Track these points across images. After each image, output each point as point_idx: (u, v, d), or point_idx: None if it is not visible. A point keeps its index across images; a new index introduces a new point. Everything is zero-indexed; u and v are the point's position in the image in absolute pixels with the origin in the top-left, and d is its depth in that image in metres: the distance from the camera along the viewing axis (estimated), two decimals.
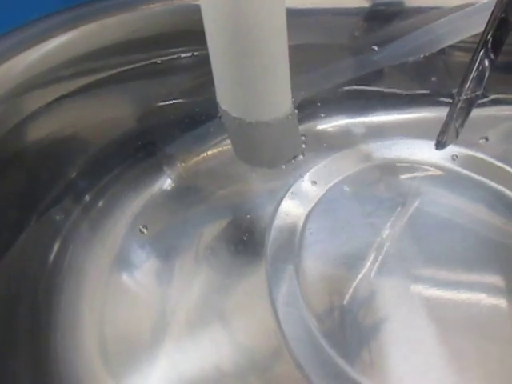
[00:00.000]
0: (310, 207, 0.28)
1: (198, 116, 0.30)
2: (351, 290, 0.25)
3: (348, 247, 0.27)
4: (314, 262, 0.26)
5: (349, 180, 0.30)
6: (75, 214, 0.27)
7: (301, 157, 0.27)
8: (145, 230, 0.27)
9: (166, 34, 0.27)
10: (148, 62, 0.28)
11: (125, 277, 0.26)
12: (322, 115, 0.32)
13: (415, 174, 0.30)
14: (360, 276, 0.25)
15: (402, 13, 0.28)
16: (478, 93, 0.23)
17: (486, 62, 0.22)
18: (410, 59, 0.29)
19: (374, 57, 0.29)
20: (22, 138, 0.25)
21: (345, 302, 0.24)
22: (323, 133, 0.32)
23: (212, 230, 0.28)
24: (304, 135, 0.30)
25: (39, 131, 0.26)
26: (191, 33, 0.26)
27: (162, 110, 0.30)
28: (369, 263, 0.26)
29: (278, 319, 0.24)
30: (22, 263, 0.24)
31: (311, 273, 0.26)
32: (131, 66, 0.28)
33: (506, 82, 0.31)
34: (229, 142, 0.28)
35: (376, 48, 0.29)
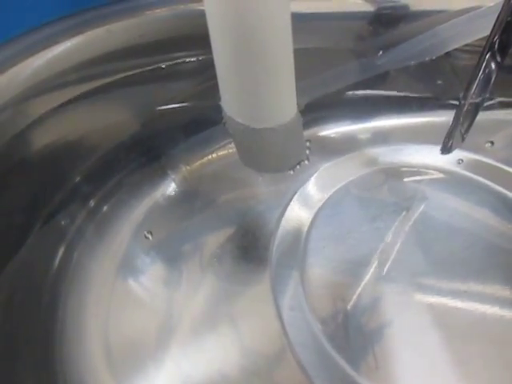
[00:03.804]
0: (314, 212, 0.28)
1: (203, 120, 0.30)
2: (356, 295, 0.25)
3: (353, 252, 0.27)
4: (319, 267, 0.26)
5: (354, 185, 0.30)
6: (80, 219, 0.27)
7: (305, 162, 0.27)
8: (150, 236, 0.28)
9: (171, 39, 0.27)
10: (153, 66, 0.28)
11: (130, 282, 0.26)
12: (327, 120, 0.32)
13: (420, 178, 0.30)
14: (364, 281, 0.25)
15: (408, 16, 0.28)
16: (484, 96, 0.23)
17: (493, 66, 0.22)
18: (415, 62, 0.29)
19: (379, 60, 0.29)
20: (28, 143, 0.25)
21: (349, 306, 0.24)
22: (328, 138, 0.32)
23: (217, 236, 0.28)
24: (309, 140, 0.30)
25: (45, 136, 0.26)
26: (196, 37, 0.26)
27: (167, 115, 0.30)
28: (373, 268, 0.26)
29: (283, 324, 0.24)
30: (26, 268, 0.24)
31: (316, 278, 0.26)
32: (136, 71, 0.28)
33: None
34: (233, 146, 0.28)
35: (381, 52, 0.29)
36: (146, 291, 0.26)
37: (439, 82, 0.32)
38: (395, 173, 0.30)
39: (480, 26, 0.25)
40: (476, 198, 0.29)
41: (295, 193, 0.29)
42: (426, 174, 0.30)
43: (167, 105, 0.30)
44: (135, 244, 0.27)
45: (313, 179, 0.30)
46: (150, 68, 0.28)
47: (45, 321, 0.23)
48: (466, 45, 0.27)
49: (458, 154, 0.30)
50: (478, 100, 0.23)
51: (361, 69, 0.29)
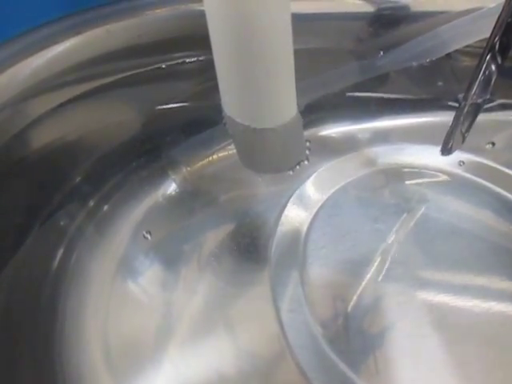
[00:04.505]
0: (314, 212, 0.28)
1: (203, 120, 0.30)
2: (356, 297, 0.25)
3: (353, 253, 0.26)
4: (319, 268, 0.26)
5: (354, 185, 0.30)
6: (79, 220, 0.27)
7: (305, 162, 0.27)
8: (149, 236, 0.27)
9: (170, 39, 0.27)
10: (153, 66, 0.28)
11: (129, 283, 0.26)
12: (327, 120, 0.32)
13: (421, 180, 0.30)
14: (365, 282, 0.25)
15: (408, 17, 0.28)
16: (484, 98, 0.23)
17: (493, 67, 0.22)
18: (416, 63, 0.29)
19: (380, 61, 0.29)
20: (27, 143, 0.25)
21: (349, 308, 0.24)
22: (328, 138, 0.32)
23: (216, 236, 0.28)
24: (308, 140, 0.30)
25: (44, 136, 0.26)
26: (196, 38, 0.26)
27: (167, 115, 0.30)
28: (374, 269, 0.26)
29: (282, 325, 0.24)
30: (25, 268, 0.24)
31: (315, 279, 0.25)
32: (136, 71, 0.28)
33: None
34: (234, 146, 0.28)
35: (381, 52, 0.29)
36: (145, 291, 0.26)
37: (440, 83, 0.32)
38: (396, 174, 0.30)
39: (481, 27, 0.25)
40: (477, 199, 0.29)
41: (295, 193, 0.29)
42: (427, 175, 0.30)
43: (167, 105, 0.30)
44: (134, 244, 0.27)
45: (312, 179, 0.30)
46: (150, 68, 0.28)
47: (44, 321, 0.23)
48: (467, 46, 0.27)
49: (459, 155, 0.30)
50: (478, 101, 0.23)
51: (361, 70, 0.29)
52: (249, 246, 0.27)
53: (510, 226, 0.27)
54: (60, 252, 0.26)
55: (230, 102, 0.22)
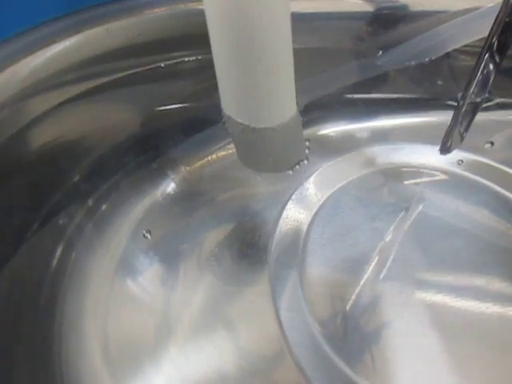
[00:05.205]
0: (313, 212, 0.28)
1: (202, 120, 0.30)
2: (354, 296, 0.25)
3: (352, 252, 0.26)
4: (318, 267, 0.26)
5: (353, 185, 0.30)
6: (78, 219, 0.27)
7: (305, 161, 0.27)
8: (148, 235, 0.27)
9: (170, 38, 0.27)
10: (152, 66, 0.28)
11: (128, 282, 0.26)
12: (326, 120, 0.32)
13: (420, 179, 0.30)
14: (363, 281, 0.25)
15: (407, 17, 0.28)
16: (482, 97, 0.23)
17: (491, 66, 0.22)
18: (414, 63, 0.29)
19: (379, 61, 0.29)
20: (26, 142, 0.25)
21: (348, 307, 0.24)
22: (327, 137, 0.32)
23: (215, 235, 0.28)
24: (308, 140, 0.30)
25: (43, 135, 0.26)
26: (195, 37, 0.26)
27: (166, 114, 0.30)
28: (372, 268, 0.26)
29: (281, 324, 0.24)
30: (25, 267, 0.24)
31: (314, 278, 0.25)
32: (135, 71, 0.28)
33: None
34: (233, 146, 0.28)
35: (381, 52, 0.29)
36: (145, 291, 0.26)
37: (439, 82, 0.32)
38: (395, 173, 0.30)
39: (479, 26, 0.26)
40: (476, 198, 0.29)
41: (294, 192, 0.29)
42: (426, 174, 0.30)
43: (167, 104, 0.30)
44: (134, 243, 0.27)
45: (312, 179, 0.30)
46: (149, 67, 0.28)
47: (43, 321, 0.23)
48: (465, 45, 0.27)
49: (457, 154, 0.30)
50: (476, 100, 0.23)
51: (360, 69, 0.30)
52: (248, 246, 0.27)
53: (508, 225, 0.27)
54: (59, 251, 0.26)
55: (230, 101, 0.22)
